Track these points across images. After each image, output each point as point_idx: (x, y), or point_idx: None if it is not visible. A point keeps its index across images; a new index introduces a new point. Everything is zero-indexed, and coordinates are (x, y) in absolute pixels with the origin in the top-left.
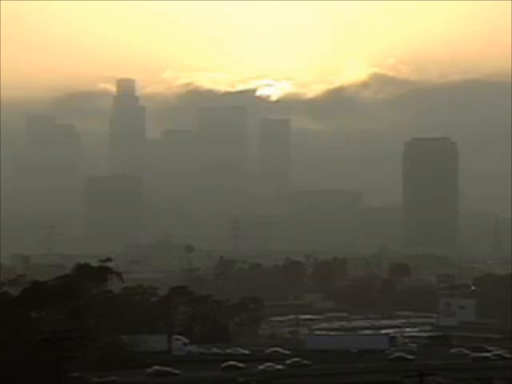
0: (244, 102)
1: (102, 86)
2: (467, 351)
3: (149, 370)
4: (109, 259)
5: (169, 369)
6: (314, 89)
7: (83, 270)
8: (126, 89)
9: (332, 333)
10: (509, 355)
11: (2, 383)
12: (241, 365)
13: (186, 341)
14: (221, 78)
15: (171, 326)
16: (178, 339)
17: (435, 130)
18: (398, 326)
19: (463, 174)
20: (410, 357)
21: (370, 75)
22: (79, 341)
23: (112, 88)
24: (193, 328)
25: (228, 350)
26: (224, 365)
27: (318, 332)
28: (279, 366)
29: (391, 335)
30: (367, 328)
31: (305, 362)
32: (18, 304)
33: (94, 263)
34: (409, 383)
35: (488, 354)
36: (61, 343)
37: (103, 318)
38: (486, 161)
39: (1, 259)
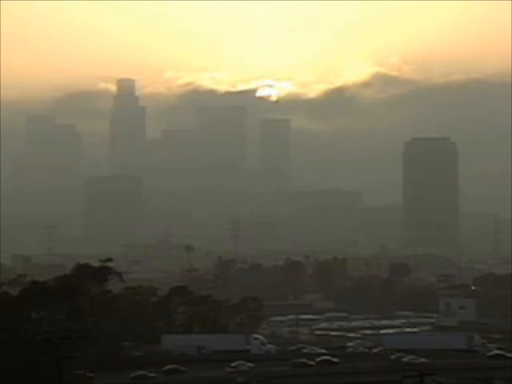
0: (244, 102)
1: (102, 85)
2: None
3: (233, 364)
4: (109, 259)
5: (305, 360)
6: (314, 89)
7: (83, 269)
8: (126, 89)
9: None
10: None
11: (3, 383)
12: (335, 359)
13: (265, 340)
14: (221, 78)
15: (171, 326)
16: (256, 338)
17: (436, 130)
18: (398, 326)
19: (463, 174)
20: (510, 355)
21: (371, 75)
22: (79, 341)
23: (112, 88)
24: (193, 328)
25: (305, 350)
26: (318, 359)
27: (391, 331)
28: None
29: (469, 335)
30: (367, 328)
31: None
32: (18, 304)
33: (94, 263)
34: (409, 383)
35: None
36: (61, 343)
37: (103, 318)
38: (486, 161)
39: (1, 259)
